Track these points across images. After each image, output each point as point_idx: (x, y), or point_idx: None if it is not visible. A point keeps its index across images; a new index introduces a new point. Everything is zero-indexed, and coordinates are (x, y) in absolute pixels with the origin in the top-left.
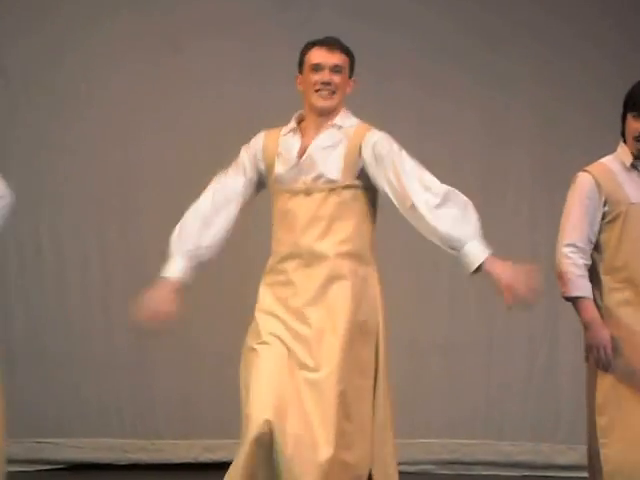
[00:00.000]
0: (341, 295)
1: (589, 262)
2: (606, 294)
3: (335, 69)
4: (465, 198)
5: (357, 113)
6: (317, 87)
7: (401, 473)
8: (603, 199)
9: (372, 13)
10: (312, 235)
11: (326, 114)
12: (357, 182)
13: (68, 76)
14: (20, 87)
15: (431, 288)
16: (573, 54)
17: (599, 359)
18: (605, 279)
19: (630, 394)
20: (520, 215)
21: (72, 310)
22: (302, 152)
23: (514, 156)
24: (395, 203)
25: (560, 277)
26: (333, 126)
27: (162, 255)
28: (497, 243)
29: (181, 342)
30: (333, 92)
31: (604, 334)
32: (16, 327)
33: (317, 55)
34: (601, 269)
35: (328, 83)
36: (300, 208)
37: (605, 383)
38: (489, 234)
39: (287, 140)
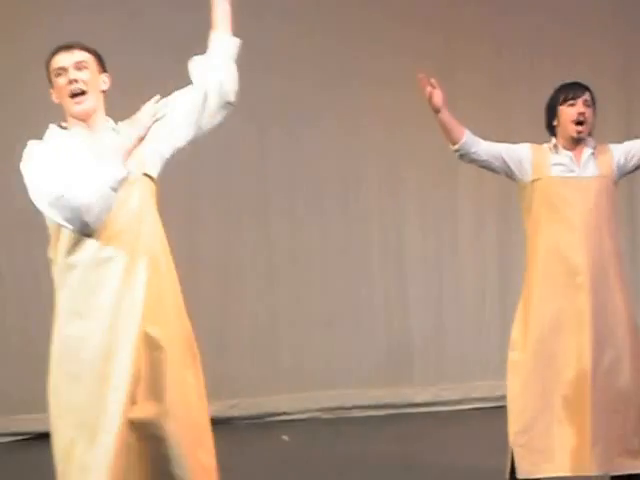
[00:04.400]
0: None
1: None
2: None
3: (78, 66)
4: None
5: None
6: (67, 90)
7: (296, 421)
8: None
9: None
10: None
11: (87, 119)
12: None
13: None
14: None
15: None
16: None
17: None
18: None
19: (536, 341)
20: None
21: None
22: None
23: None
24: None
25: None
26: (112, 130)
27: None
28: None
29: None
30: (83, 91)
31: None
32: None
33: (57, 60)
34: None
35: (74, 80)
36: None
37: (519, 323)
38: None
39: (66, 139)
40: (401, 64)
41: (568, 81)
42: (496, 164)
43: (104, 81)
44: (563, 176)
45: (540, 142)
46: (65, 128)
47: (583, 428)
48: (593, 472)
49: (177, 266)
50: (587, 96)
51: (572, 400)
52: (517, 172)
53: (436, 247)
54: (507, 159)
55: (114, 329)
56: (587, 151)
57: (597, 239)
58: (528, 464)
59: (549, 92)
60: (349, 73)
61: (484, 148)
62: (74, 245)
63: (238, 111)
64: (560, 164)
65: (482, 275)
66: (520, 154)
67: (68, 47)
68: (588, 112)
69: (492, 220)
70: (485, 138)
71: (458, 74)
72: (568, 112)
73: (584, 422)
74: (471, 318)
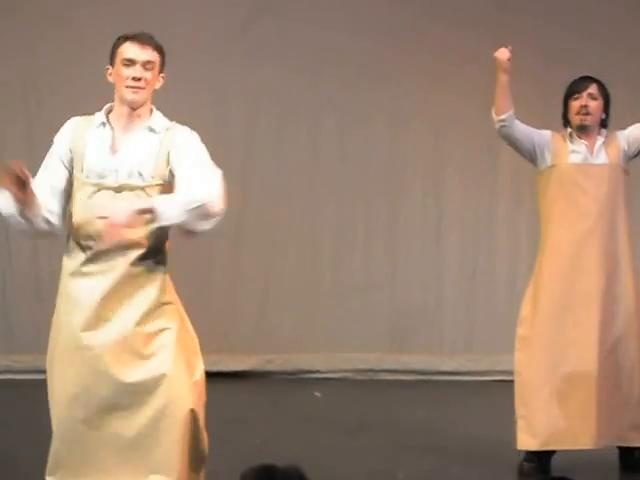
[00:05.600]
0: None
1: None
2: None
3: (147, 65)
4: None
5: None
6: (128, 82)
7: (327, 379)
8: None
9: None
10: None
11: (136, 107)
12: (166, 182)
13: None
14: None
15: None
16: None
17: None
18: None
19: (544, 318)
20: None
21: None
22: (115, 147)
23: None
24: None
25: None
26: (146, 129)
27: None
28: None
29: None
30: (143, 88)
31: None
32: None
33: (129, 50)
34: None
35: (139, 79)
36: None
37: (528, 300)
38: None
39: (98, 133)
40: (449, 36)
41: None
42: (527, 146)
43: (159, 80)
44: (578, 163)
45: None
46: (109, 115)
47: (587, 403)
48: (598, 445)
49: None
50: (592, 89)
51: (577, 375)
52: (539, 157)
53: (472, 221)
54: (536, 143)
55: None
56: (599, 140)
57: (610, 225)
58: (528, 436)
59: None
60: (397, 40)
61: (522, 127)
62: None
63: (293, 62)
64: (577, 152)
65: (515, 249)
66: (545, 139)
67: (142, 42)
68: (592, 104)
69: (528, 195)
70: None
71: None
72: (574, 105)
73: (588, 397)
74: (503, 291)
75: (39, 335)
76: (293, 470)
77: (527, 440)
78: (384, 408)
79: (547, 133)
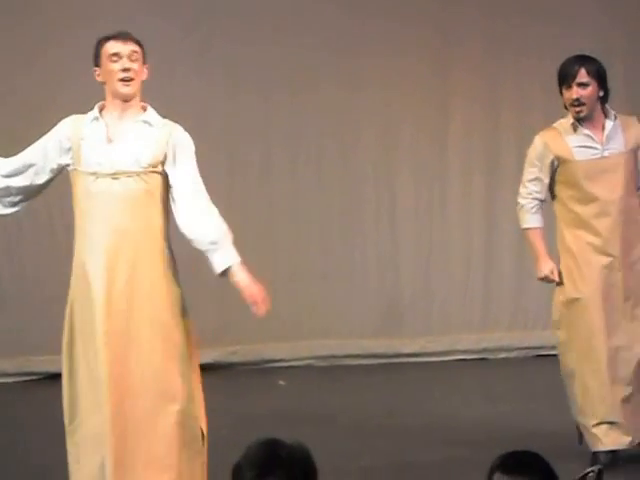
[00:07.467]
0: None
1: (542, 197)
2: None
3: (132, 57)
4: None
5: None
6: (119, 75)
7: (292, 367)
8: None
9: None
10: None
11: (129, 99)
12: (160, 171)
13: None
14: None
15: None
16: None
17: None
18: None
19: (579, 312)
20: None
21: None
22: (109, 137)
23: None
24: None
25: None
26: (142, 122)
27: None
28: None
29: None
30: (132, 79)
31: (547, 264)
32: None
33: (113, 46)
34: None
35: (128, 69)
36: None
37: (558, 302)
38: None
39: (92, 126)
40: (398, 31)
41: (571, 55)
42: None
43: (144, 72)
44: (588, 159)
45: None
46: (102, 111)
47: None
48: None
49: None
50: (580, 76)
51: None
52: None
53: (426, 207)
54: (549, 175)
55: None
56: (608, 124)
57: (626, 215)
58: (619, 434)
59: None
60: (349, 39)
61: (545, 193)
62: None
63: (245, 77)
64: (581, 146)
65: (469, 233)
66: (544, 160)
67: (124, 37)
68: (584, 93)
69: (480, 181)
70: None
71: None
72: (566, 95)
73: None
74: (458, 274)
75: None
76: (298, 447)
77: (619, 438)
78: (348, 394)
79: (538, 147)
